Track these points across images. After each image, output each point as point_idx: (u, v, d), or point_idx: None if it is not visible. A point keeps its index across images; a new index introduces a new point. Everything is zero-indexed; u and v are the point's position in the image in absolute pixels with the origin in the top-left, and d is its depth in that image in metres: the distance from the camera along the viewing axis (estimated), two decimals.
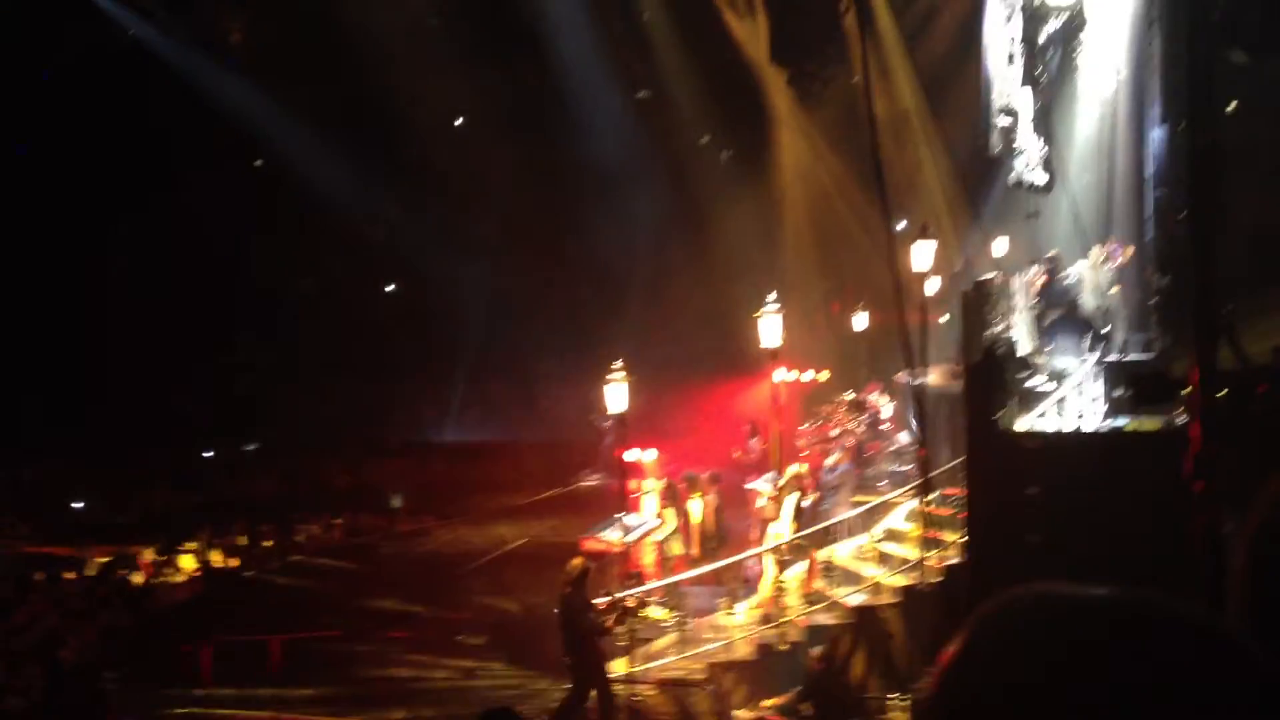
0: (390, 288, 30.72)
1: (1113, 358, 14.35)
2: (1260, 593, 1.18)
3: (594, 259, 26.28)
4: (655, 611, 15.38)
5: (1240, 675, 0.97)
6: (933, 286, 17.08)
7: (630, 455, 17.42)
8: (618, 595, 13.36)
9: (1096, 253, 15.89)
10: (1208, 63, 10.71)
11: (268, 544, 21.67)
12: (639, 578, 15.57)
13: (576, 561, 13.07)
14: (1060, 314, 15.66)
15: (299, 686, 15.26)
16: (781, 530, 14.87)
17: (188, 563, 20.13)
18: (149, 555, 20.03)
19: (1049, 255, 16.16)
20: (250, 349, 27.91)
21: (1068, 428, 13.28)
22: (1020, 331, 15.26)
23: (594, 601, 12.81)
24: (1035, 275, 16.07)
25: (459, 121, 28.17)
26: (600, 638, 12.82)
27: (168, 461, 25.31)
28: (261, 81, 25.66)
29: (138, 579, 19.45)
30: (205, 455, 26.00)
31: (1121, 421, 12.79)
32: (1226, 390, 8.45)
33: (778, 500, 15.26)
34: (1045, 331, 15.57)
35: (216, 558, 20.63)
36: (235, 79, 25.61)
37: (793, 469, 16.02)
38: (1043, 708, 0.94)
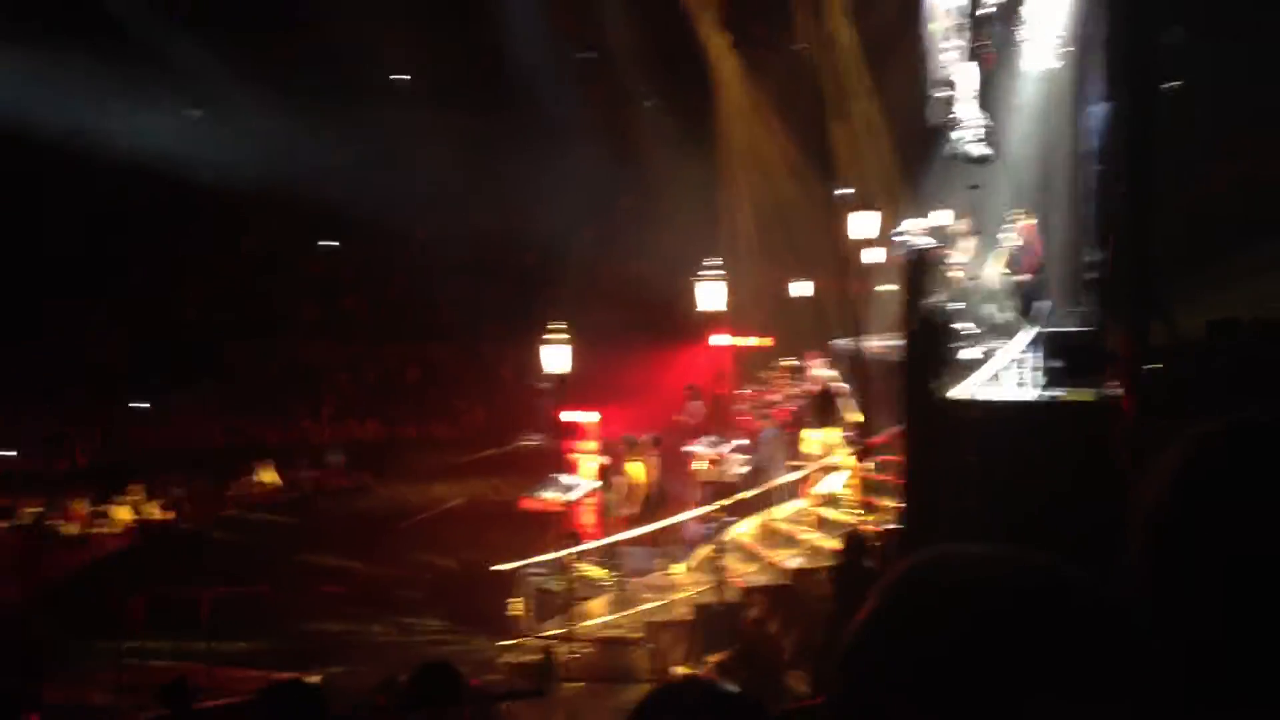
0: (334, 244, 30.44)
1: (1049, 329, 14.58)
2: (1161, 576, 1.18)
3: (538, 220, 26.19)
4: (593, 571, 15.54)
5: (1114, 639, 1.03)
6: (874, 255, 17.24)
7: (570, 416, 17.52)
8: None
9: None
10: (1147, 41, 10.93)
11: (203, 497, 21.53)
12: (577, 537, 15.72)
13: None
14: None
15: (233, 640, 15.23)
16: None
17: (122, 514, 19.95)
18: (82, 506, 19.82)
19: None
20: (187, 301, 27.64)
21: (1005, 397, 13.51)
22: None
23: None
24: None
25: (405, 78, 27.86)
26: None
27: (101, 411, 25.01)
28: (200, 30, 25.26)
29: (71, 529, 19.26)
30: (139, 407, 25.67)
31: (1058, 392, 13.04)
32: (1158, 364, 8.71)
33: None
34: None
35: (151, 510, 20.46)
36: (174, 29, 25.19)
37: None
38: (938, 670, 1.00)
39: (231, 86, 25.57)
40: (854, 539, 12.25)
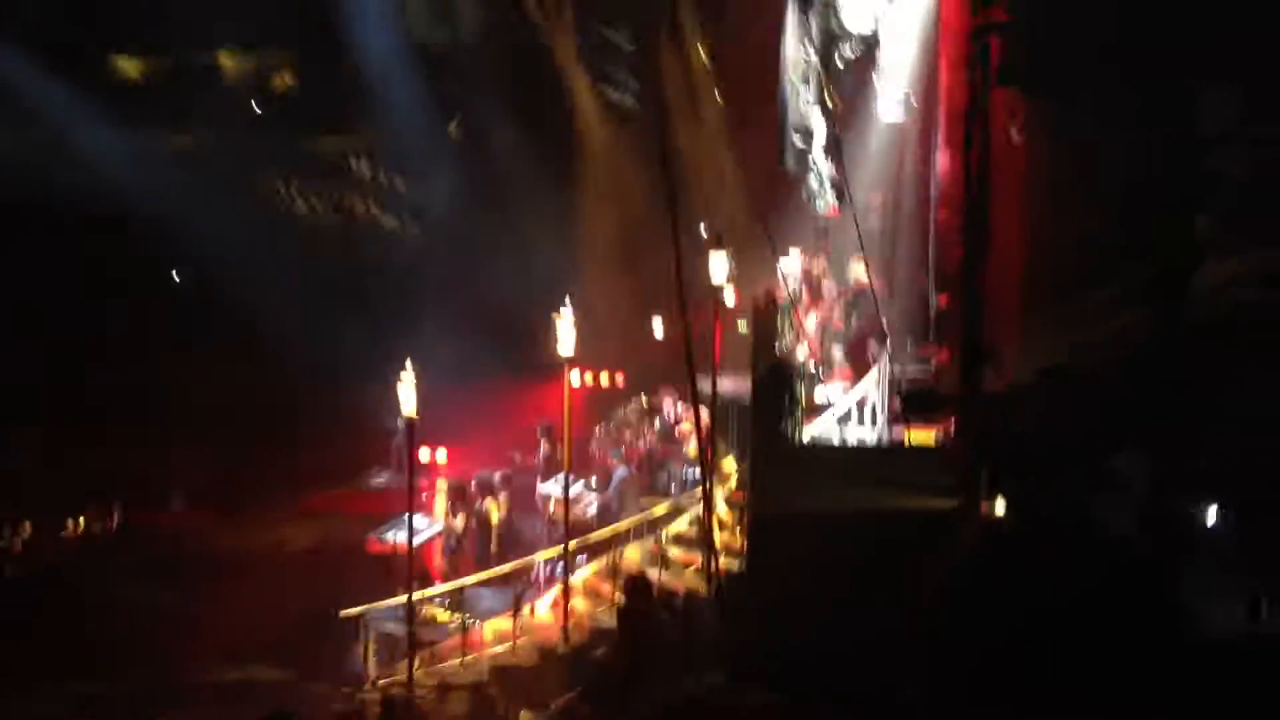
0: (179, 272, 29.59)
1: (894, 373, 14.90)
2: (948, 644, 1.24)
3: (389, 253, 25.88)
4: (441, 614, 15.27)
5: None
6: (727, 296, 17.39)
7: (421, 455, 17.27)
8: None
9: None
10: (987, 95, 11.25)
11: (30, 536, 20.64)
12: (426, 579, 15.45)
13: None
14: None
15: (67, 686, 14.64)
16: None
17: None
18: None
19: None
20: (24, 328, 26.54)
21: (848, 438, 13.73)
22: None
23: None
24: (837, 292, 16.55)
25: (255, 104, 27.33)
26: None
27: None
28: (43, 50, 24.47)
29: None
30: None
31: (899, 434, 13.30)
32: (988, 408, 8.92)
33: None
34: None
35: None
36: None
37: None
38: None
39: (73, 107, 24.81)
40: (635, 583, 12.47)
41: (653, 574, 15.34)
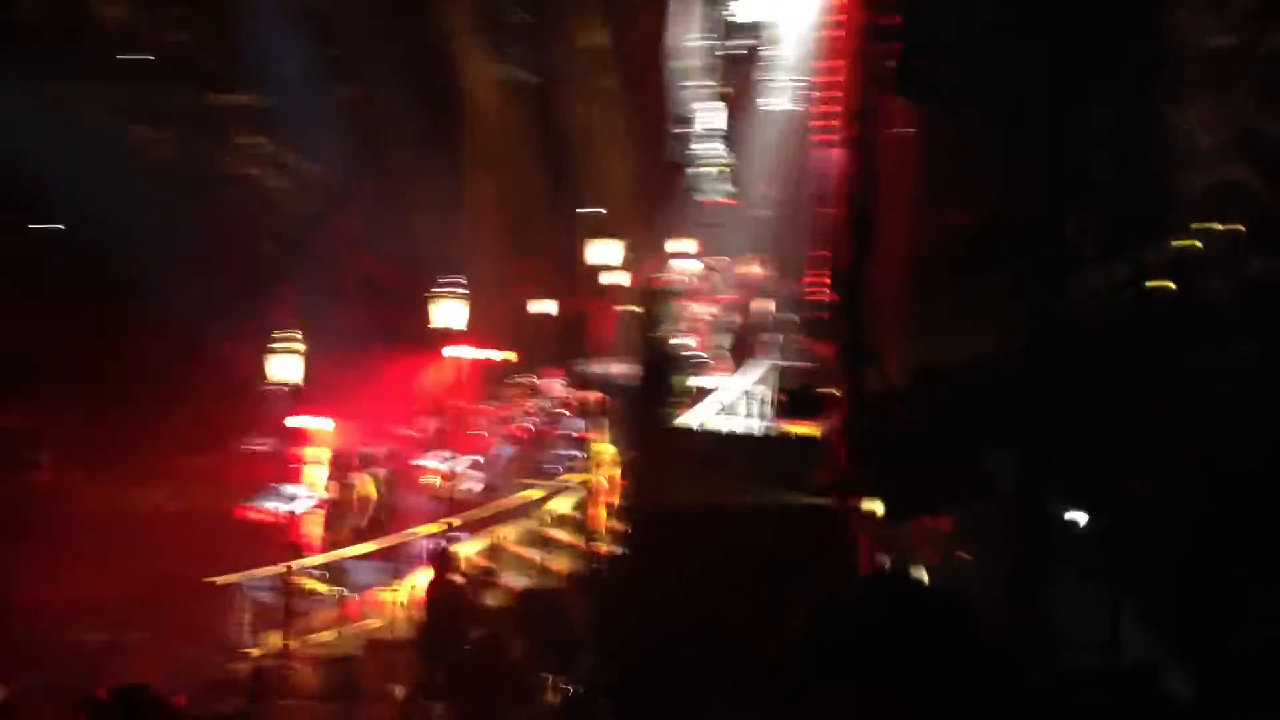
0: (54, 227, 28.65)
1: (781, 364, 15.16)
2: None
3: (275, 216, 25.36)
4: (316, 585, 15.16)
5: None
6: (619, 280, 17.54)
7: (301, 423, 17.09)
8: None
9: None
10: (872, 90, 11.53)
11: None
12: (299, 550, 15.31)
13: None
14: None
15: None
16: None
17: None
18: None
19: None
20: None
21: (732, 427, 13.95)
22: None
23: None
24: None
25: (129, 57, 26.49)
26: None
27: None
28: None
29: None
30: None
31: (784, 425, 13.54)
32: (867, 407, 9.19)
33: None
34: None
35: None
36: None
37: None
38: None
39: None
40: (443, 555, 13.16)
41: (532, 553, 15.48)
